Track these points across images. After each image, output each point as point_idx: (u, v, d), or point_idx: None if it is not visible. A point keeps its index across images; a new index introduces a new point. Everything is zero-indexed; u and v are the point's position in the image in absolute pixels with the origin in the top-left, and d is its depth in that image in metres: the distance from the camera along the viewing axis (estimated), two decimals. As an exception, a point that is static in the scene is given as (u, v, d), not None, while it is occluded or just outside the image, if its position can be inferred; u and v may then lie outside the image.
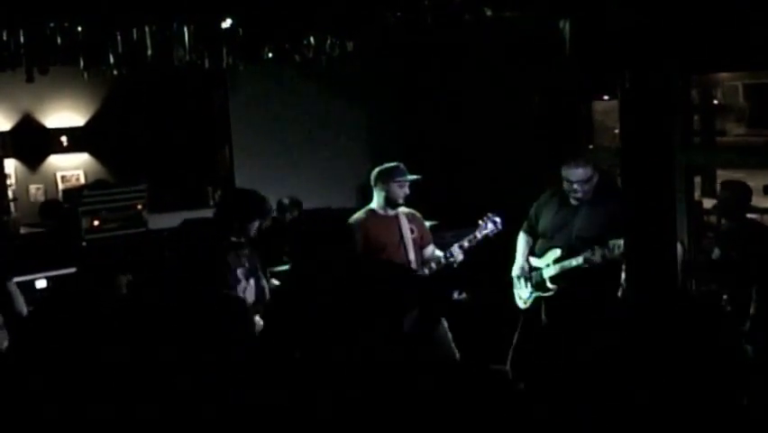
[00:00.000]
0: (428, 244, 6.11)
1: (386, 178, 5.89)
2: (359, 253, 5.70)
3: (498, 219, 5.97)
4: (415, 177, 5.93)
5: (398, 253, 5.92)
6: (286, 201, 6.95)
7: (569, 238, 5.70)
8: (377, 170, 5.96)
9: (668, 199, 4.16)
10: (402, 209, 6.00)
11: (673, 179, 4.32)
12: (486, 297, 7.02)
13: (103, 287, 4.91)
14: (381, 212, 5.95)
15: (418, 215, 6.12)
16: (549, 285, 5.76)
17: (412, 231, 5.98)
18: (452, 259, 5.91)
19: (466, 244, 5.94)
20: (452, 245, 6.05)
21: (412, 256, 5.95)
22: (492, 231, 5.95)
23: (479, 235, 5.94)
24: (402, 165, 5.96)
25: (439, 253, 6.05)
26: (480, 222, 5.98)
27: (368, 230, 5.89)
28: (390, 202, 5.91)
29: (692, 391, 4.01)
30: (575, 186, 5.67)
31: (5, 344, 4.93)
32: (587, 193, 5.68)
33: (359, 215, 6.00)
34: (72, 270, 6.60)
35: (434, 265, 5.97)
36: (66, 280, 5.40)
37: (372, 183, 5.96)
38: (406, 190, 5.90)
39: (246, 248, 5.38)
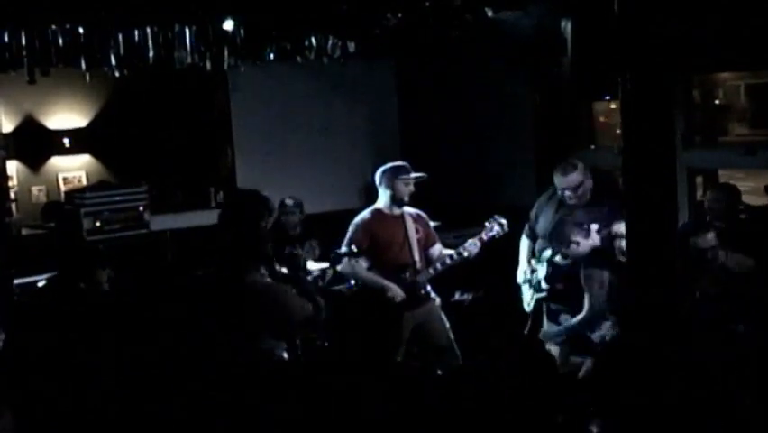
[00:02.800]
0: (433, 243, 6.11)
1: (391, 176, 5.89)
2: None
3: (504, 221, 5.97)
4: (420, 175, 5.93)
5: (403, 253, 5.92)
6: (290, 202, 6.92)
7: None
8: (382, 168, 5.96)
9: (669, 200, 4.15)
10: (407, 209, 6.00)
11: (675, 180, 4.31)
12: (490, 298, 7.02)
13: (84, 283, 4.95)
14: (387, 211, 5.94)
15: (424, 215, 6.12)
16: (543, 285, 5.76)
17: (417, 231, 5.99)
18: (465, 255, 5.89)
19: (477, 243, 5.95)
20: (454, 246, 6.05)
21: (417, 256, 5.94)
22: (498, 233, 5.95)
23: (485, 237, 5.94)
24: (407, 164, 5.97)
25: (447, 251, 6.04)
26: (487, 223, 5.98)
27: (373, 229, 5.89)
28: (396, 201, 5.90)
29: (692, 391, 4.01)
30: (567, 193, 5.68)
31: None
32: (581, 198, 5.68)
33: (364, 214, 6.00)
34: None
35: (438, 266, 5.96)
36: (50, 280, 5.42)
37: (377, 182, 5.96)
38: (412, 188, 5.90)
39: None
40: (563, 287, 5.63)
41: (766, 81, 7.81)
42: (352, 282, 6.02)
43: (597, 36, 6.18)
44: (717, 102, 7.93)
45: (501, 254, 6.25)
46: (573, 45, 6.46)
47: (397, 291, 5.80)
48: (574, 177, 5.65)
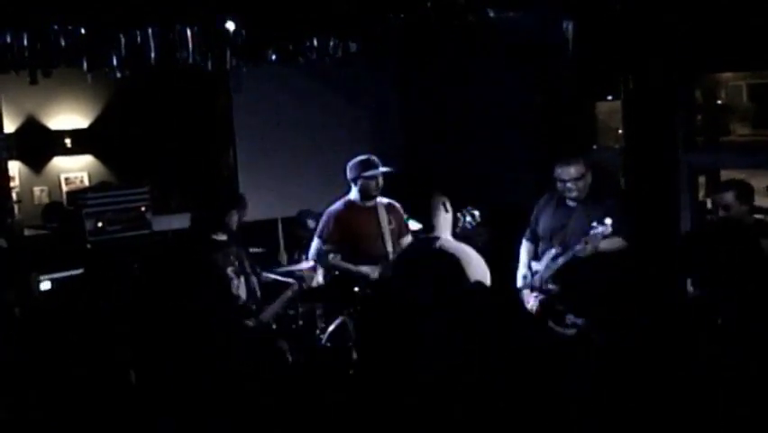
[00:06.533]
0: (405, 234, 6.16)
1: (356, 172, 5.96)
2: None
3: (476, 212, 5.98)
4: (385, 169, 5.96)
5: (376, 244, 5.97)
6: (312, 224, 6.89)
7: (564, 237, 5.70)
8: (349, 164, 6.01)
9: (671, 199, 4.16)
10: (381, 200, 6.06)
11: (677, 179, 4.32)
12: (491, 296, 7.01)
13: (111, 286, 4.98)
14: (359, 203, 5.99)
15: (397, 205, 6.18)
16: (549, 285, 5.75)
17: (390, 222, 6.05)
18: None
19: None
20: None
21: (390, 247, 6.01)
22: (471, 224, 5.98)
23: (457, 229, 5.98)
24: (373, 158, 5.98)
25: None
26: (459, 215, 6.01)
27: (345, 221, 5.95)
28: (365, 195, 5.97)
29: (688, 390, 4.01)
30: (568, 184, 5.66)
31: None
32: (581, 191, 5.67)
33: (337, 205, 6.06)
34: (76, 271, 6.65)
35: None
36: (75, 282, 5.43)
37: (348, 176, 6.01)
38: (380, 182, 5.95)
39: (233, 246, 5.39)
40: (570, 285, 5.63)
41: (768, 81, 7.81)
42: (322, 275, 6.00)
43: (599, 36, 6.19)
44: (719, 102, 7.92)
45: (502, 255, 6.24)
46: (575, 45, 6.47)
47: (370, 270, 5.85)
48: (577, 168, 5.65)
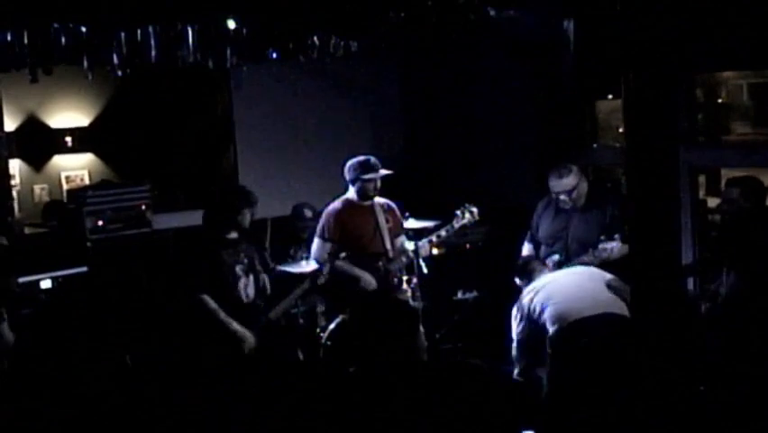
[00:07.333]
0: (400, 234, 6.18)
1: (355, 174, 5.96)
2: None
3: (474, 209, 6.00)
4: (385, 172, 5.96)
5: (375, 242, 5.99)
6: (309, 214, 6.86)
7: (566, 243, 5.71)
8: (349, 163, 6.02)
9: (672, 198, 4.16)
10: (378, 199, 6.07)
11: (677, 178, 4.31)
12: (493, 296, 7.03)
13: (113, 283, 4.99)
14: (357, 202, 6.01)
15: (393, 205, 6.20)
16: None
17: (387, 220, 6.06)
18: (420, 253, 5.98)
19: (443, 233, 5.99)
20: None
21: (388, 245, 6.03)
22: (469, 221, 5.99)
23: (456, 225, 6.00)
24: (373, 159, 5.98)
25: (409, 245, 6.10)
26: (457, 212, 6.02)
27: (344, 220, 5.96)
28: (362, 195, 5.98)
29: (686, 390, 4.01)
30: (561, 197, 5.68)
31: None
32: (576, 200, 5.69)
33: (335, 204, 6.08)
34: (76, 270, 6.66)
35: (411, 255, 6.03)
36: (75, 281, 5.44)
37: (346, 176, 6.02)
38: (378, 184, 5.96)
39: (243, 244, 5.39)
40: None
41: (769, 80, 7.81)
42: (325, 269, 5.93)
43: (599, 35, 6.19)
44: (719, 101, 7.91)
45: (505, 253, 6.25)
46: (576, 44, 6.47)
47: (369, 280, 5.87)
48: (568, 180, 5.66)
